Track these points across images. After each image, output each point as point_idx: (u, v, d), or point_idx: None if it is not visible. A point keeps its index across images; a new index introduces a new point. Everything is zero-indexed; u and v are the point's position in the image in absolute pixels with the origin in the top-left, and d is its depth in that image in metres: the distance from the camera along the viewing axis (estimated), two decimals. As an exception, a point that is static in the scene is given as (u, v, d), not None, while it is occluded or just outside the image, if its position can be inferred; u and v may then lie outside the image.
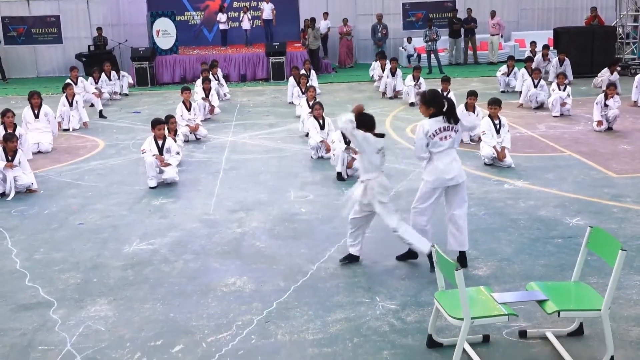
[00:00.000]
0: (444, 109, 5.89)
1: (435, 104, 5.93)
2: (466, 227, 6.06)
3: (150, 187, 9.03)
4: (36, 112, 12.03)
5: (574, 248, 6.29)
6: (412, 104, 15.20)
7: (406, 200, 8.15)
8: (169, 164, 9.21)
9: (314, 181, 9.26)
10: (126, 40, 22.40)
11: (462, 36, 22.49)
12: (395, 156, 10.50)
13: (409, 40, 22.89)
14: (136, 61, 19.93)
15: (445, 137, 5.89)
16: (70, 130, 13.40)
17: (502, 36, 22.73)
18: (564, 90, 13.71)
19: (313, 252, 6.59)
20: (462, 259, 6.09)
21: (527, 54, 19.41)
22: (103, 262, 6.53)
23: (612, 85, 12.58)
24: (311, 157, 10.54)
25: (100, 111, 15.00)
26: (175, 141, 10.11)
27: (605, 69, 16.24)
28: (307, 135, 11.37)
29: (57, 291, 5.87)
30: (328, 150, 10.17)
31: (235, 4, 23.35)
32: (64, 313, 5.44)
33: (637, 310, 5.18)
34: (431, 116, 5.92)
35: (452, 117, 5.91)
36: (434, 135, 5.85)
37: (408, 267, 6.14)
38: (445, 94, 13.18)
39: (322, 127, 10.68)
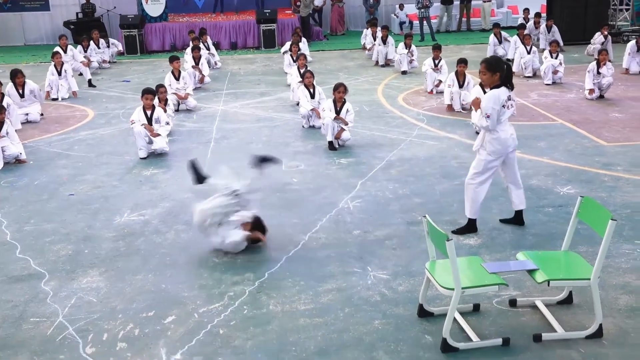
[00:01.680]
0: (506, 75, 5.81)
1: (500, 69, 5.79)
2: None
3: (141, 158, 8.98)
4: (21, 91, 11.56)
5: (564, 217, 6.32)
6: (404, 72, 15.13)
7: (397, 170, 8.16)
8: (158, 134, 9.14)
9: (306, 151, 9.23)
10: (114, 8, 22.09)
11: (454, 3, 22.28)
12: (386, 125, 10.48)
13: (401, 7, 22.68)
14: (125, 29, 19.70)
15: (509, 106, 5.88)
16: (59, 99, 13.26)
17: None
18: (556, 58, 13.66)
19: (305, 222, 6.59)
20: (519, 218, 6.30)
21: (520, 21, 19.30)
22: (94, 233, 6.51)
23: (603, 50, 12.54)
24: (302, 126, 10.49)
25: (90, 80, 14.85)
26: (166, 111, 10.03)
27: (597, 34, 16.18)
28: (297, 104, 11.30)
29: (48, 263, 5.85)
30: (319, 116, 10.13)
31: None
32: (56, 285, 5.43)
33: (626, 278, 5.22)
34: (496, 86, 5.81)
35: (511, 82, 5.87)
36: (503, 106, 5.81)
37: (399, 237, 6.16)
38: (436, 61, 13.16)
39: (312, 96, 10.60)
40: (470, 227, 6.19)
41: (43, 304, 5.11)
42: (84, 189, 7.87)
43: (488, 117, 5.77)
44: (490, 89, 5.90)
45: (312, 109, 10.40)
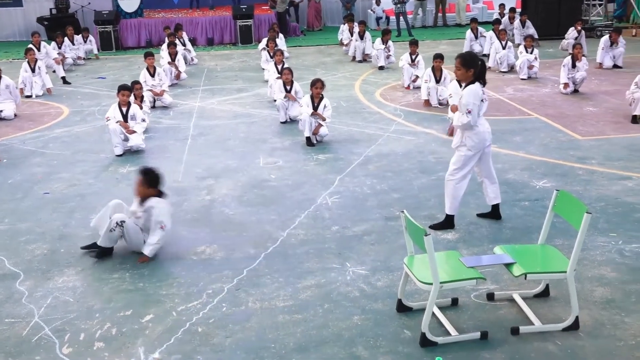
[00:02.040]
0: (480, 71, 5.85)
1: (475, 65, 5.82)
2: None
3: (117, 155, 8.90)
4: None
5: (540, 211, 6.38)
6: (381, 68, 15.16)
7: (375, 165, 8.18)
8: (134, 131, 9.06)
9: (283, 147, 9.20)
10: (89, 3, 21.81)
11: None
12: (364, 120, 10.49)
13: (378, 2, 22.69)
14: (100, 25, 19.48)
15: (485, 100, 5.92)
16: (33, 96, 13.08)
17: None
18: (531, 52, 13.77)
19: (283, 218, 6.58)
20: (496, 212, 6.35)
21: (496, 16, 19.43)
22: (70, 232, 6.44)
23: (578, 44, 12.67)
24: (280, 122, 10.47)
25: (63, 77, 14.66)
26: (142, 108, 9.95)
27: (571, 29, 16.35)
28: (275, 101, 11.27)
29: (24, 262, 5.77)
30: (293, 99, 10.20)
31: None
32: (31, 284, 5.36)
33: (601, 271, 5.28)
34: (471, 82, 5.84)
35: (484, 78, 5.91)
36: (482, 100, 5.84)
37: (378, 232, 6.17)
38: (413, 57, 13.19)
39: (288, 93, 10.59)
40: (448, 223, 6.22)
41: (18, 305, 5.04)
42: (59, 187, 7.77)
43: (469, 112, 5.80)
44: (466, 84, 5.94)
45: (285, 96, 10.40)
